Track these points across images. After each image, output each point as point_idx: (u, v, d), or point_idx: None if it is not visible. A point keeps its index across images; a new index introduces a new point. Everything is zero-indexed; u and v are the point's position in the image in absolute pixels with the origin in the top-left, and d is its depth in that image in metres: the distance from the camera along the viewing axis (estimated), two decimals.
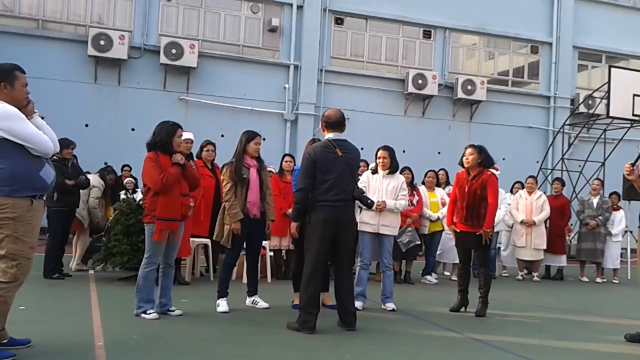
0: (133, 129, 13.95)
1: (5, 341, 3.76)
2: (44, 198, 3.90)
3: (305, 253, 5.02)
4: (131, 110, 14.39)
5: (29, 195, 3.66)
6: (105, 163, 10.44)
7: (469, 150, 6.12)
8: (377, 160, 6.29)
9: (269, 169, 6.62)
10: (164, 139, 5.20)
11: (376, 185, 6.23)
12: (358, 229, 6.05)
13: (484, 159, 6.10)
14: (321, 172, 4.94)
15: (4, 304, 3.66)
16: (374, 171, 6.35)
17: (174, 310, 5.34)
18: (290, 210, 7.81)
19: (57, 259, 7.46)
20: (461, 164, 6.17)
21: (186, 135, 6.45)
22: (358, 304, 5.78)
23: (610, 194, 10.55)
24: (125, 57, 14.25)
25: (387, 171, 6.26)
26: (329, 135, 5.11)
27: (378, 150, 6.32)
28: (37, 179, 3.69)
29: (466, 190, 6.03)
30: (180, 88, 15.02)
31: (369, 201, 5.53)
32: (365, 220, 6.10)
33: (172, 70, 14.82)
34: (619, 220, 10.26)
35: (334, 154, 4.96)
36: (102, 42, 13.93)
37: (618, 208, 10.37)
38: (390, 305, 6.13)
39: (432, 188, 9.00)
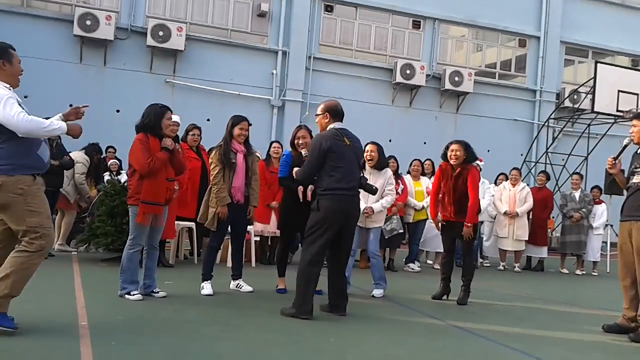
0: (118, 111, 13.83)
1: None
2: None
3: (308, 237, 4.92)
4: (116, 91, 14.25)
5: (30, 173, 3.79)
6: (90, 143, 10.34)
7: (455, 147, 6.09)
8: (365, 155, 6.23)
9: (256, 154, 6.60)
10: (152, 121, 5.16)
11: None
12: None
13: (469, 155, 6.15)
14: (333, 160, 4.90)
15: (28, 270, 3.79)
16: (362, 166, 6.22)
17: (157, 292, 5.33)
18: (274, 203, 7.83)
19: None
20: (444, 158, 6.17)
21: (173, 118, 6.41)
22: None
23: (592, 188, 10.69)
24: (111, 38, 14.07)
25: (373, 166, 6.27)
26: (336, 125, 5.07)
27: (366, 145, 6.24)
28: (34, 158, 3.82)
29: (452, 186, 6.06)
30: (167, 71, 14.88)
31: (374, 188, 5.61)
32: None
33: (159, 53, 14.67)
34: (600, 214, 10.40)
35: (344, 143, 4.98)
36: (88, 22, 13.74)
37: (600, 202, 10.51)
38: (376, 292, 6.17)
39: (418, 177, 9.06)
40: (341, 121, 5.13)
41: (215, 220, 5.63)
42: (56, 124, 3.84)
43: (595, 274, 10.25)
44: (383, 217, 6.50)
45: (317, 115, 5.16)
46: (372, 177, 6.21)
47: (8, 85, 3.83)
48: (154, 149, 5.10)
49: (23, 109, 3.73)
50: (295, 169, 5.32)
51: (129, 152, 5.21)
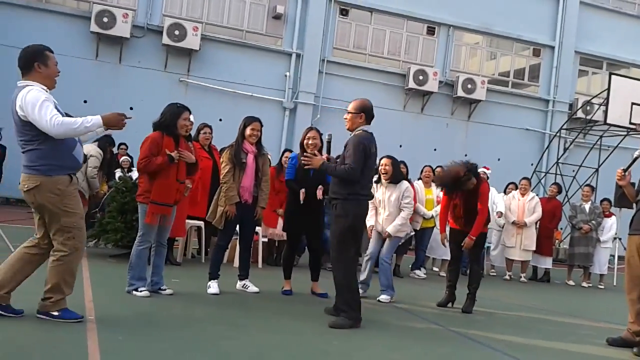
0: (132, 108, 13.92)
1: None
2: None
3: (340, 245, 4.82)
4: (131, 88, 14.38)
5: (67, 173, 3.93)
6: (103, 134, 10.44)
7: (385, 161, 6.28)
8: (380, 168, 6.29)
9: (268, 155, 6.65)
10: (167, 120, 5.22)
11: (378, 196, 6.33)
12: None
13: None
14: (367, 165, 4.81)
15: (71, 273, 3.97)
16: (377, 180, 6.33)
17: (165, 289, 5.38)
18: (280, 210, 7.84)
19: None
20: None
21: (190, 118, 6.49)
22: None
23: (602, 201, 10.63)
24: (127, 36, 14.21)
25: (388, 180, 6.30)
26: (367, 127, 4.96)
27: (381, 158, 6.29)
28: (70, 159, 3.94)
29: (464, 200, 6.08)
30: (181, 70, 14.99)
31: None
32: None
33: (174, 52, 14.78)
34: (609, 227, 10.34)
35: (376, 148, 4.96)
36: (105, 19, 13.88)
37: (610, 214, 10.45)
38: (382, 297, 6.21)
39: (429, 184, 9.02)
40: (370, 124, 5.02)
41: (223, 218, 5.69)
42: (89, 119, 3.86)
43: (602, 286, 10.20)
44: (406, 228, 6.52)
45: (350, 112, 4.94)
46: (387, 191, 6.28)
47: (45, 88, 3.91)
48: (166, 148, 5.15)
49: (59, 111, 3.83)
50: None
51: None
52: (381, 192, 6.33)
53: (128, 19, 14.05)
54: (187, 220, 7.39)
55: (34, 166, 3.83)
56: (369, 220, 6.08)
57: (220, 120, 13.76)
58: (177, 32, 14.36)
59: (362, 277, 6.23)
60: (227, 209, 5.66)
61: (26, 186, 3.86)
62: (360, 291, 6.00)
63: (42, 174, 3.82)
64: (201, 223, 7.71)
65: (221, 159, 5.99)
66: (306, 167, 4.98)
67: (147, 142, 5.18)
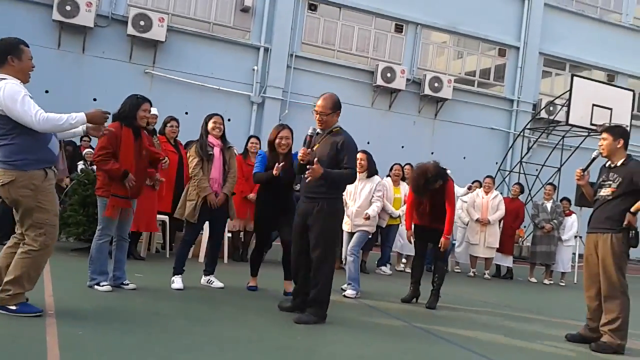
0: (95, 99, 13.63)
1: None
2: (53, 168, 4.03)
3: (331, 245, 4.87)
4: (94, 79, 14.06)
5: (42, 167, 3.86)
6: None
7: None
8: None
9: (233, 149, 6.60)
10: (126, 111, 5.14)
11: (350, 188, 6.45)
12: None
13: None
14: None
15: (37, 270, 3.93)
16: None
17: (127, 284, 5.30)
18: (252, 195, 7.84)
19: (9, 224, 7.26)
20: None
21: (151, 111, 6.38)
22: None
23: (561, 199, 10.86)
24: (91, 25, 13.87)
25: (364, 174, 6.51)
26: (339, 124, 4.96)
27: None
28: (45, 152, 3.88)
29: (430, 199, 6.16)
30: (147, 61, 14.73)
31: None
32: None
33: (139, 43, 14.51)
34: (570, 225, 10.58)
35: None
36: (68, 8, 13.53)
37: (570, 213, 10.69)
38: (347, 292, 6.24)
39: (398, 183, 9.08)
40: None
41: (197, 211, 5.62)
42: (74, 116, 3.85)
43: (563, 284, 10.44)
44: (370, 222, 6.58)
45: (326, 113, 4.81)
46: (360, 184, 6.49)
47: (18, 82, 3.83)
48: (125, 139, 5.06)
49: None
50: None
51: None
52: (354, 185, 6.44)
53: (92, 7, 13.71)
54: None
55: (8, 161, 3.78)
56: None
57: (187, 113, 13.58)
58: (142, 23, 14.09)
59: None
60: (209, 198, 5.60)
61: (0, 181, 3.81)
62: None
63: (17, 168, 3.78)
64: (166, 218, 7.61)
65: (188, 154, 5.92)
66: (308, 180, 4.69)
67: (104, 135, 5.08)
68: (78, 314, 4.13)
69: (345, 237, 6.62)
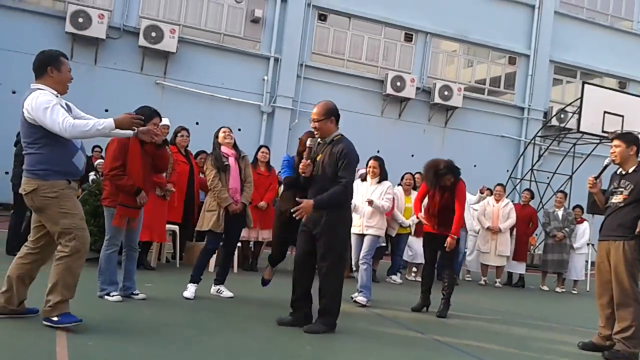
0: (107, 110, 13.72)
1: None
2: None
3: (339, 253, 4.76)
4: (106, 91, 14.19)
5: (64, 179, 3.91)
6: None
7: (373, 163, 6.61)
8: (367, 169, 6.68)
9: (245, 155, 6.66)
10: None
11: (362, 191, 6.61)
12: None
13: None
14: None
15: (73, 275, 3.93)
16: (363, 179, 6.75)
17: (137, 294, 5.31)
18: (262, 203, 7.91)
19: (22, 236, 7.30)
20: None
21: (163, 121, 6.43)
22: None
23: (574, 207, 10.78)
24: (103, 37, 14.03)
25: (376, 179, 6.65)
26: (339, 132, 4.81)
27: (369, 159, 6.70)
28: (69, 165, 3.93)
29: (438, 199, 6.17)
30: (158, 72, 14.86)
31: None
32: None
33: (151, 54, 14.65)
34: (582, 233, 10.48)
35: None
36: (80, 20, 13.70)
37: (582, 220, 10.59)
38: (359, 298, 6.25)
39: (409, 192, 9.04)
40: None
41: (222, 220, 5.67)
42: (101, 122, 3.88)
43: (575, 292, 10.34)
44: (380, 224, 6.61)
45: (317, 120, 4.65)
46: (371, 187, 6.62)
47: (55, 92, 3.92)
48: (132, 151, 5.08)
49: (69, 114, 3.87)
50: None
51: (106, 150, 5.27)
52: (364, 189, 6.60)
53: (104, 19, 13.88)
54: None
55: (32, 170, 3.88)
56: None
57: (197, 123, 13.67)
58: (153, 34, 14.23)
59: None
60: (230, 208, 5.66)
61: (24, 190, 3.92)
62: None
63: (39, 178, 3.85)
64: (176, 227, 7.63)
65: (205, 167, 5.99)
66: (298, 217, 4.58)
67: (112, 146, 5.13)
68: (88, 324, 4.13)
69: (354, 241, 6.56)
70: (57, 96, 3.92)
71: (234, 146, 5.93)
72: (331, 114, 4.67)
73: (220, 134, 5.88)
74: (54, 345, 3.55)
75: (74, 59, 14.20)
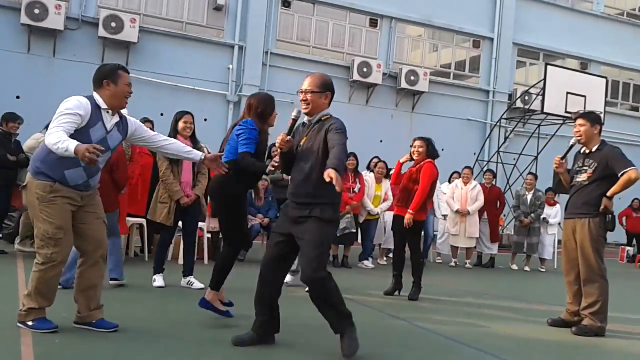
0: None
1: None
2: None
3: (325, 256, 3.81)
4: (66, 83, 13.77)
5: (49, 181, 3.69)
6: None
7: (418, 143, 6.41)
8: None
9: (205, 147, 6.56)
10: None
11: None
12: None
13: (431, 152, 6.39)
14: None
15: (47, 284, 3.74)
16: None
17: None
18: None
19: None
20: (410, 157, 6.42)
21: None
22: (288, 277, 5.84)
23: (547, 190, 10.95)
24: (61, 28, 13.66)
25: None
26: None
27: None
28: (58, 175, 3.67)
29: (407, 177, 6.25)
30: (119, 63, 14.51)
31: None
32: None
33: (111, 44, 14.32)
34: (554, 214, 10.69)
35: None
36: (36, 11, 13.30)
37: (554, 203, 10.75)
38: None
39: (380, 180, 9.08)
40: None
41: (171, 215, 5.64)
42: (64, 145, 3.46)
43: (543, 269, 10.53)
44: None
45: (312, 92, 3.81)
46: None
47: (103, 105, 3.78)
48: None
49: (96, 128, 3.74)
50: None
51: None
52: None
53: (61, 10, 13.50)
54: (127, 218, 7.16)
55: (31, 163, 3.80)
56: None
57: (162, 114, 13.37)
58: (113, 24, 13.90)
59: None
60: (181, 201, 5.60)
61: (22, 183, 3.86)
62: (290, 277, 5.98)
63: (31, 173, 3.75)
64: (143, 220, 7.49)
65: (157, 157, 5.86)
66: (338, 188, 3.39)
67: None
68: (54, 321, 4.03)
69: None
70: (106, 111, 3.80)
71: (192, 136, 5.79)
72: (327, 88, 3.88)
73: (181, 124, 5.72)
74: (19, 344, 3.45)
75: (31, 52, 13.83)
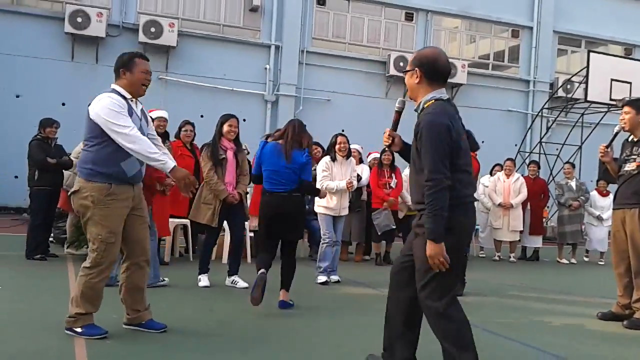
0: None
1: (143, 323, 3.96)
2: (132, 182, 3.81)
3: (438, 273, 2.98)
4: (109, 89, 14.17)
5: (107, 182, 3.67)
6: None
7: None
8: (337, 146, 6.60)
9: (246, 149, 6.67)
10: None
11: (338, 171, 6.61)
12: (317, 211, 6.57)
13: (471, 144, 6.34)
14: (457, 151, 3.00)
15: (92, 289, 3.70)
16: (332, 157, 6.64)
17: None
18: None
19: (40, 239, 7.29)
20: None
21: (158, 113, 6.44)
22: (322, 278, 6.29)
23: (598, 180, 10.70)
24: (103, 35, 14.01)
25: (344, 157, 6.67)
26: (440, 94, 3.17)
27: (336, 136, 6.69)
28: (114, 166, 3.67)
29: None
30: (160, 67, 14.81)
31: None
32: (325, 204, 6.46)
33: (151, 49, 14.59)
34: (608, 206, 10.37)
35: (460, 124, 3.13)
36: (79, 20, 13.68)
37: (607, 193, 10.38)
38: (334, 278, 6.46)
39: None
40: (444, 86, 3.22)
41: (215, 216, 5.71)
42: (163, 158, 3.65)
43: (602, 263, 10.23)
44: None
45: (406, 71, 3.23)
46: (341, 166, 6.62)
47: (127, 94, 3.80)
48: None
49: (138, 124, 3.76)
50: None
51: None
52: (338, 167, 6.62)
53: (102, 18, 13.85)
54: (171, 220, 7.30)
55: (80, 169, 3.73)
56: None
57: (202, 116, 13.59)
58: (153, 30, 14.19)
59: (326, 263, 6.37)
60: (228, 199, 5.68)
61: (72, 189, 3.80)
62: (325, 278, 6.29)
63: (83, 177, 3.68)
64: (187, 221, 7.62)
65: (201, 158, 5.97)
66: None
67: None
68: (105, 322, 4.13)
69: (327, 217, 6.50)
70: (130, 100, 3.79)
71: (235, 139, 5.90)
72: (417, 64, 3.13)
73: (226, 127, 5.81)
74: (72, 346, 3.55)
75: (75, 59, 14.23)
